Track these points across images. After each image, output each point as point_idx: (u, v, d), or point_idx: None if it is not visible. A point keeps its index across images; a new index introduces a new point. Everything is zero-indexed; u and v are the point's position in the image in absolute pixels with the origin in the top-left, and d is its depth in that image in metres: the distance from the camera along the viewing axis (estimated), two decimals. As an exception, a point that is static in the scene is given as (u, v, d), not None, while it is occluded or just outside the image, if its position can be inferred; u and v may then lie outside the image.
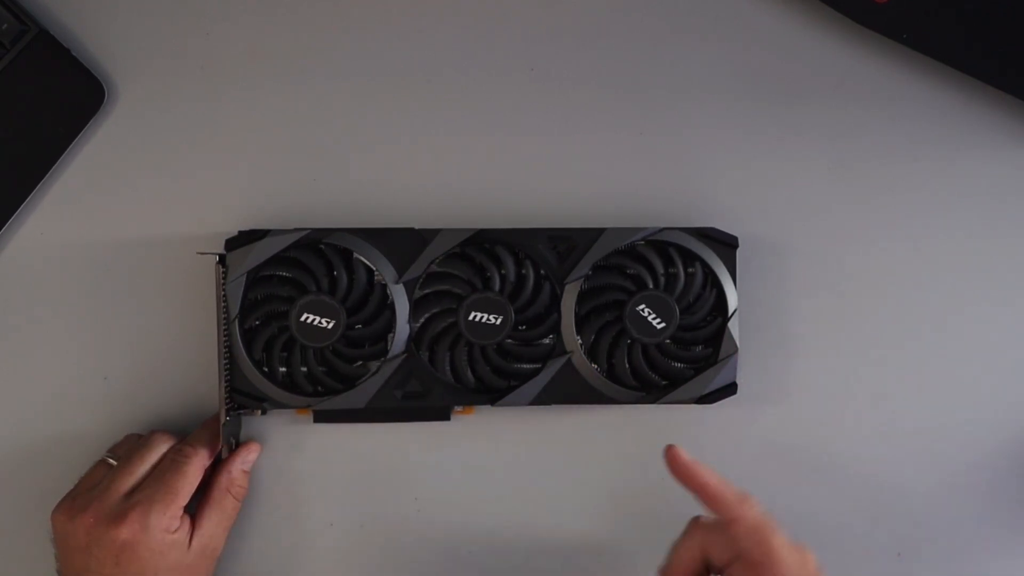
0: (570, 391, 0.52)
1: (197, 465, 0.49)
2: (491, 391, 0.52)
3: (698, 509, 0.53)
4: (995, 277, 0.56)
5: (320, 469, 0.54)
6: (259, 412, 0.52)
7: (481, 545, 0.54)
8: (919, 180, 0.56)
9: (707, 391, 0.52)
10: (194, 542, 0.49)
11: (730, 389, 0.52)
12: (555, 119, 0.55)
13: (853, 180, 0.56)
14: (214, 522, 0.50)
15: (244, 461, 0.52)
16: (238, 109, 0.54)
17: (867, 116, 0.56)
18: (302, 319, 0.50)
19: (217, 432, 0.51)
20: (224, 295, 0.50)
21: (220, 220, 0.53)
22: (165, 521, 0.47)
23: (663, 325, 0.51)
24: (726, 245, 0.52)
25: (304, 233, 0.51)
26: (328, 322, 0.50)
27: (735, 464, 0.55)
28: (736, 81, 0.56)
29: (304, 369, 0.52)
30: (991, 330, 0.56)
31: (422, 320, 0.52)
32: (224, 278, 0.50)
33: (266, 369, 0.51)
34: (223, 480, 0.51)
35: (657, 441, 0.54)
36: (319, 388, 0.52)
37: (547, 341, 0.52)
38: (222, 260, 0.51)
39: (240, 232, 0.51)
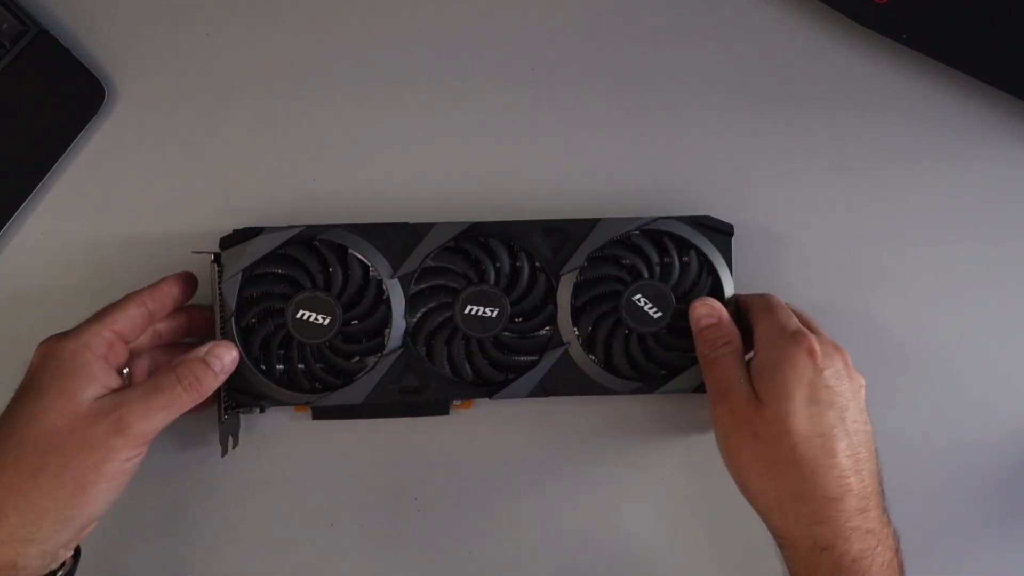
0: (568, 382, 0.51)
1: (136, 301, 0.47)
2: (489, 384, 0.52)
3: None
4: (994, 276, 0.56)
5: (320, 467, 0.54)
6: (257, 410, 0.52)
7: (481, 542, 0.54)
8: (918, 179, 0.56)
9: (705, 380, 0.52)
10: (105, 399, 0.43)
11: (729, 378, 0.52)
12: (547, 111, 0.56)
13: (852, 179, 0.56)
14: (143, 395, 0.44)
15: (211, 354, 0.47)
16: (236, 109, 0.55)
17: (867, 116, 0.56)
18: (298, 316, 0.50)
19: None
20: (220, 293, 0.50)
21: (215, 219, 0.54)
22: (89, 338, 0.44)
23: (659, 314, 0.51)
24: (721, 233, 0.52)
25: (298, 230, 0.51)
26: (324, 318, 0.50)
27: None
28: (734, 79, 0.56)
29: (301, 366, 0.51)
30: (990, 328, 0.56)
31: (418, 314, 0.52)
32: (220, 276, 0.51)
33: (263, 367, 0.51)
34: (179, 367, 0.45)
35: (656, 431, 0.54)
36: (317, 384, 0.52)
37: (544, 333, 0.52)
38: (217, 259, 0.51)
39: (235, 230, 0.51)
